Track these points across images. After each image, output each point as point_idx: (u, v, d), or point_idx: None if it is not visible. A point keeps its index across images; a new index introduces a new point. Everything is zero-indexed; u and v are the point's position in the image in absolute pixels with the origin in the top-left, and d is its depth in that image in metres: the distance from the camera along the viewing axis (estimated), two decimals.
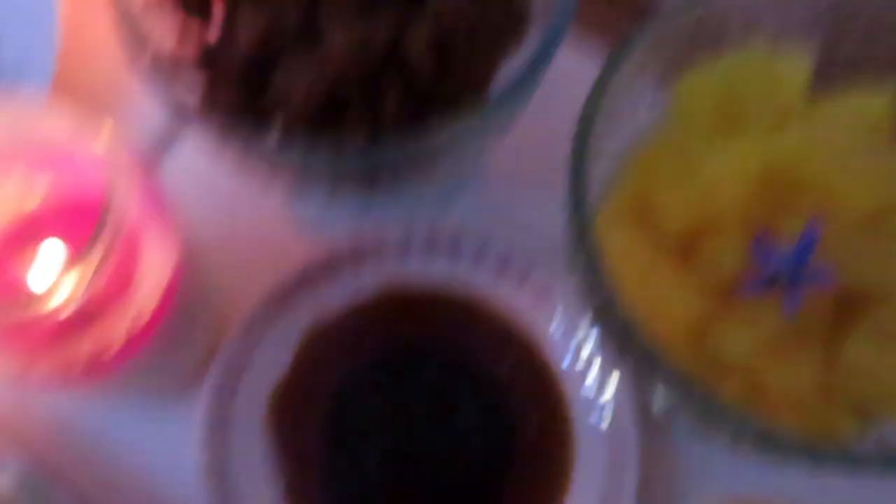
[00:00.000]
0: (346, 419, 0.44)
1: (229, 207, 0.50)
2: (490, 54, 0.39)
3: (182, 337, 0.42)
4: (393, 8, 0.38)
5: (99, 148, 0.33)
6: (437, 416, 0.43)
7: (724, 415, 0.29)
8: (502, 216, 0.50)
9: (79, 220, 0.36)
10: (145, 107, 0.49)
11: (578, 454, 0.42)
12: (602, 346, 0.43)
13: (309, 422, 0.43)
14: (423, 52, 0.37)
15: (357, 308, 0.46)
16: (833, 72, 0.39)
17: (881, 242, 0.33)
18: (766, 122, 0.37)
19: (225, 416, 0.43)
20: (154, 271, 0.36)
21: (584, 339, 0.44)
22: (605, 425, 0.42)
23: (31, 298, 0.31)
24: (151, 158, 0.51)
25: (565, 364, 0.44)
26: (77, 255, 0.31)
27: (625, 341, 0.32)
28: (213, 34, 0.40)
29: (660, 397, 0.34)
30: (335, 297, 0.46)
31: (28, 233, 0.38)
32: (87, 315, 0.34)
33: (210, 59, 0.39)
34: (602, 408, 0.42)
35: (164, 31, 0.40)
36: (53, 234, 0.39)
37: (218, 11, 0.40)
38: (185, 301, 0.39)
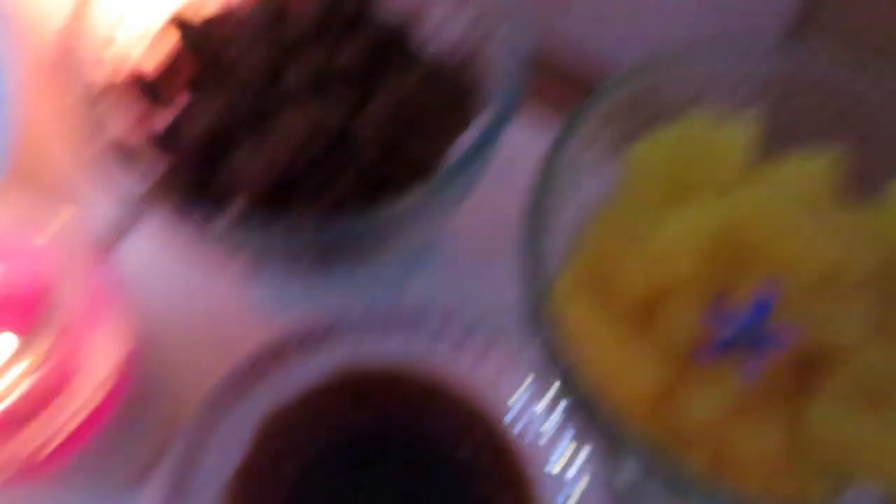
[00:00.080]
0: None
1: (184, 293, 0.49)
2: (441, 132, 0.40)
3: (134, 428, 0.40)
4: (345, 91, 0.39)
5: (51, 237, 0.32)
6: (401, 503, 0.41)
7: (693, 486, 0.28)
8: (462, 290, 0.50)
9: (30, 312, 0.35)
10: (101, 195, 0.49)
11: None
12: (566, 419, 0.42)
13: None
14: (373, 134, 0.37)
15: (315, 391, 0.44)
16: (776, 139, 0.40)
17: (836, 302, 0.33)
18: (715, 187, 0.37)
19: None
20: (102, 362, 0.35)
21: (549, 414, 0.43)
22: (571, 503, 0.41)
23: None
24: (105, 247, 0.50)
25: (530, 439, 0.43)
26: (22, 347, 0.30)
27: (587, 413, 0.31)
28: (169, 118, 0.40)
29: (627, 470, 0.33)
30: (293, 381, 0.44)
31: None
32: (29, 408, 0.32)
33: (165, 143, 0.39)
34: (568, 484, 0.41)
35: (120, 116, 0.40)
36: (4, 327, 0.37)
37: (174, 96, 0.40)
38: (137, 391, 0.38)
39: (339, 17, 0.41)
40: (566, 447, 0.42)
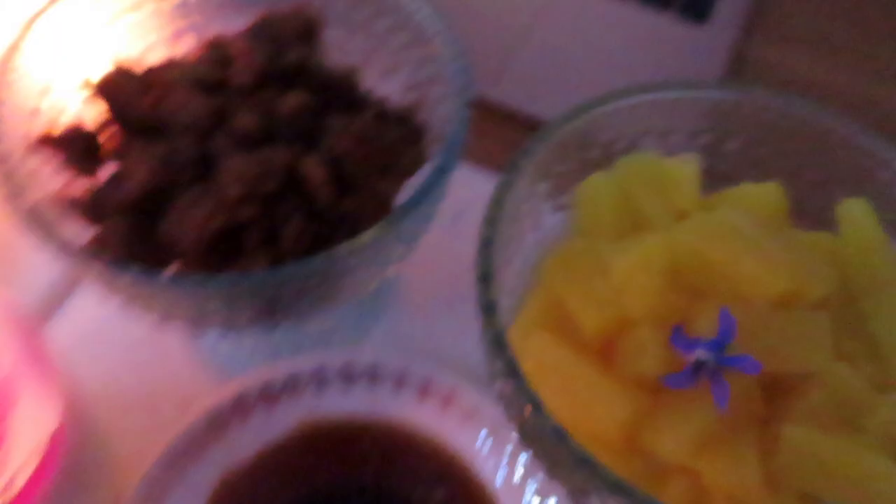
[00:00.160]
0: None
1: (125, 358, 0.47)
2: (398, 169, 0.39)
3: (73, 502, 0.37)
4: (292, 135, 0.38)
5: None
6: None
7: None
8: (422, 338, 0.49)
9: None
10: (33, 259, 0.47)
11: None
12: (533, 464, 0.40)
13: None
14: (319, 177, 0.36)
15: (272, 450, 0.42)
16: (719, 173, 0.41)
17: (797, 327, 0.33)
18: (666, 220, 0.37)
19: None
20: (30, 434, 0.32)
21: (516, 460, 0.42)
22: None
23: None
24: (35, 318, 0.47)
25: (499, 484, 0.42)
26: None
27: (555, 451, 0.30)
28: (107, 171, 0.39)
29: None
30: (247, 441, 0.42)
31: None
32: None
33: (99, 201, 0.37)
34: None
35: (49, 174, 0.38)
36: None
37: (112, 148, 0.39)
38: (75, 461, 0.35)
39: (282, 66, 0.40)
40: (535, 493, 0.41)
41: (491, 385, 0.34)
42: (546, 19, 0.67)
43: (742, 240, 0.34)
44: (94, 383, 0.44)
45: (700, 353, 0.31)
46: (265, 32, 0.41)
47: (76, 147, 0.37)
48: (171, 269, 0.36)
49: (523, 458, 0.42)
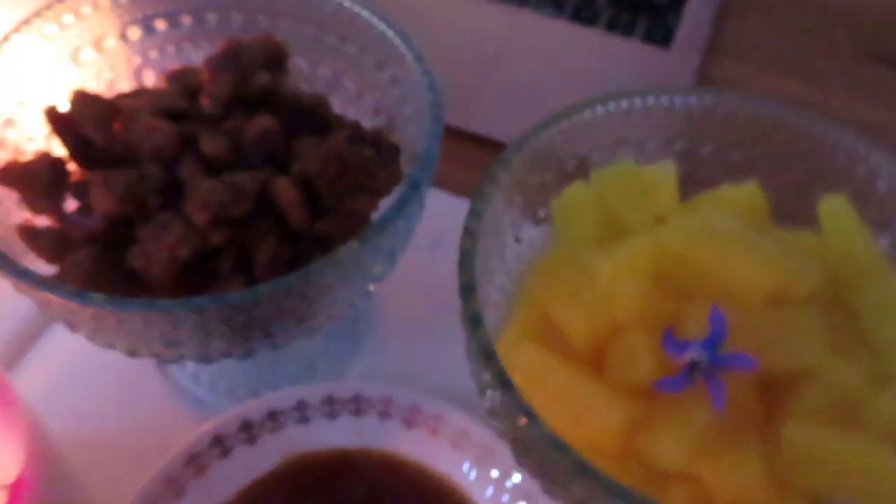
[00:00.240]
0: None
1: (97, 401, 0.45)
2: (375, 186, 0.38)
3: None
4: (263, 157, 0.37)
5: None
6: None
7: None
8: (404, 368, 0.47)
9: None
10: (1, 305, 0.46)
11: None
12: (528, 481, 0.39)
13: None
14: (292, 198, 0.35)
15: (256, 487, 0.41)
16: (696, 179, 0.41)
17: (789, 321, 0.32)
18: (646, 225, 0.37)
19: None
20: None
21: (504, 484, 0.41)
22: None
23: None
24: (4, 360, 0.45)
25: None
26: None
27: (551, 463, 0.29)
28: (68, 207, 0.37)
29: None
30: (228, 479, 0.41)
31: None
32: None
33: (63, 232, 0.36)
34: None
35: (12, 206, 0.37)
36: None
37: (72, 183, 0.38)
38: None
39: (250, 92, 0.39)
40: None
41: (480, 402, 0.33)
42: (513, 48, 0.67)
43: (727, 239, 0.33)
44: (64, 427, 0.42)
45: (693, 354, 0.31)
46: (231, 60, 0.40)
47: (42, 176, 0.36)
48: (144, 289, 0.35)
49: (512, 482, 0.41)
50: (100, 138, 0.36)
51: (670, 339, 0.32)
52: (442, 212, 0.50)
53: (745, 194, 0.37)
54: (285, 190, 0.35)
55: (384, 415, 0.43)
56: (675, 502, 0.30)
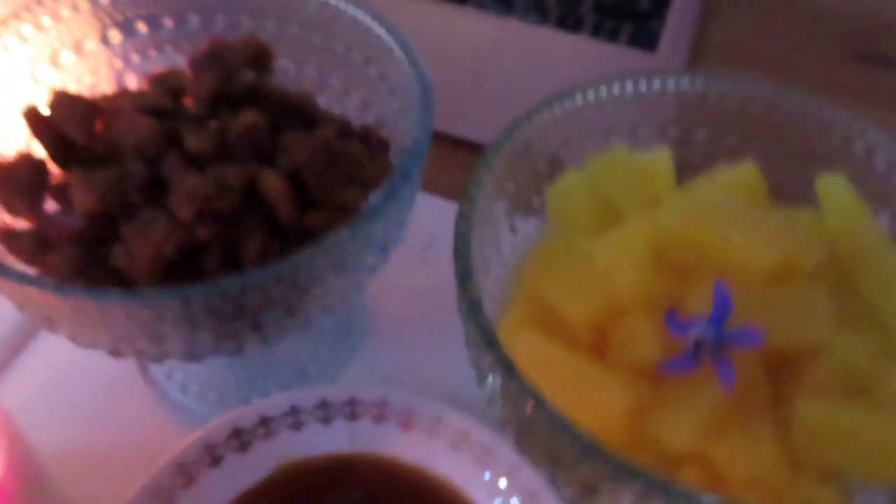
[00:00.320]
0: None
1: (82, 413, 0.43)
2: (364, 180, 0.37)
3: None
4: (249, 151, 0.36)
5: None
6: None
7: (698, 502, 0.25)
8: (399, 371, 0.46)
9: None
10: None
11: None
12: (531, 482, 0.37)
13: None
14: (280, 190, 0.34)
15: (249, 496, 0.39)
16: (691, 165, 0.40)
17: (795, 297, 0.31)
18: (642, 210, 0.36)
19: None
20: None
21: (512, 483, 0.39)
22: None
23: None
24: None
25: None
26: None
27: (559, 447, 0.28)
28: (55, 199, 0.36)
29: None
30: (220, 489, 0.39)
31: None
32: None
33: (44, 232, 0.35)
34: None
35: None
36: None
37: (53, 184, 0.37)
38: None
39: (234, 90, 0.39)
40: None
41: (480, 393, 0.32)
42: (500, 55, 0.67)
43: (727, 216, 0.33)
44: (48, 440, 0.40)
45: (698, 332, 0.30)
46: (215, 60, 0.40)
47: (22, 178, 0.35)
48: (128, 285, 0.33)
49: (515, 482, 0.39)
50: (81, 137, 0.35)
51: (673, 318, 0.31)
52: (433, 215, 0.49)
53: (743, 174, 0.36)
54: (272, 182, 0.34)
55: (380, 418, 0.42)
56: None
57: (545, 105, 0.36)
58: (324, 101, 0.43)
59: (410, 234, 0.53)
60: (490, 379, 0.30)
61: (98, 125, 0.36)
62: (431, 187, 0.53)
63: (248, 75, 0.39)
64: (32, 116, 0.36)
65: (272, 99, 0.39)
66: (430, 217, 0.51)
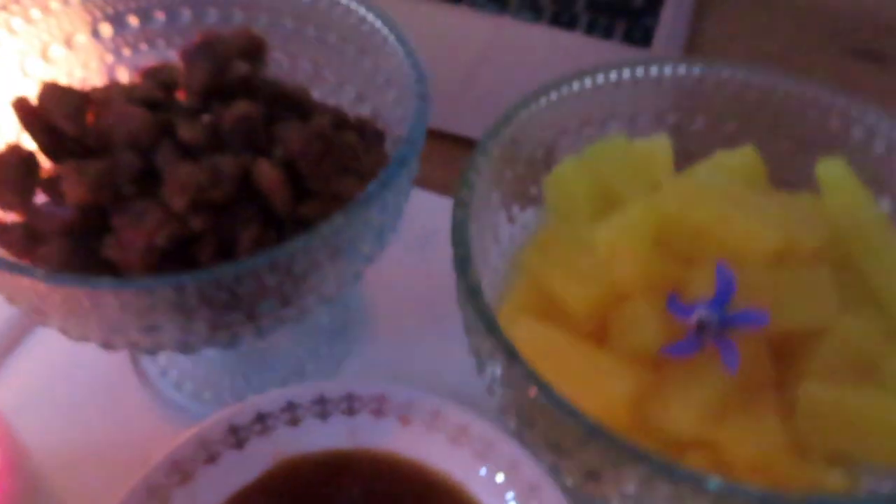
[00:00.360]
0: None
1: (75, 412, 0.43)
2: (349, 178, 0.37)
3: None
4: (243, 142, 0.36)
5: None
6: None
7: (704, 484, 0.24)
8: (397, 367, 0.46)
9: None
10: None
11: None
12: (533, 475, 0.37)
13: None
14: (275, 179, 0.34)
15: (246, 492, 0.38)
16: (689, 153, 0.40)
17: (798, 280, 0.31)
18: (641, 195, 0.35)
19: None
20: None
21: (512, 476, 0.39)
22: None
23: None
24: None
25: None
26: None
27: (562, 433, 0.27)
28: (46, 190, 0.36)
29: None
30: (216, 487, 0.38)
31: None
32: None
33: (34, 225, 0.34)
34: None
35: None
36: None
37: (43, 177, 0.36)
38: None
39: (228, 81, 0.38)
40: None
41: (479, 380, 0.31)
42: (495, 54, 0.67)
43: (728, 198, 0.32)
44: (41, 440, 0.40)
45: (702, 314, 0.29)
46: (208, 51, 0.39)
47: (11, 170, 0.34)
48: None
49: (516, 476, 0.39)
50: (71, 128, 0.35)
51: (675, 302, 0.30)
52: (430, 212, 0.49)
53: (742, 158, 0.36)
54: (267, 172, 0.34)
55: (378, 413, 0.41)
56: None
57: (542, 92, 0.36)
58: (318, 95, 0.43)
59: (406, 231, 0.53)
60: (490, 366, 0.29)
61: (89, 117, 0.35)
62: (427, 184, 0.53)
63: (241, 67, 0.39)
64: (22, 108, 0.35)
65: (266, 90, 0.39)
66: (426, 213, 0.51)
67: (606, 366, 0.30)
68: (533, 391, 0.26)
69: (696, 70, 0.38)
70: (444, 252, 0.49)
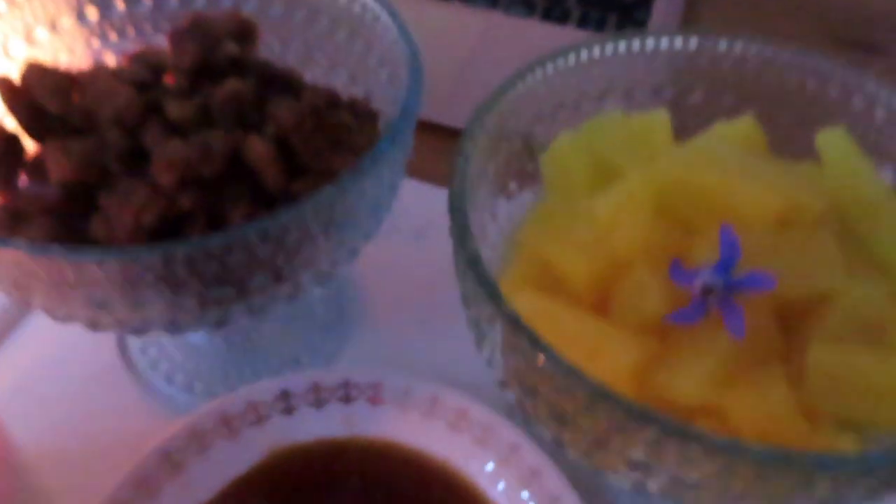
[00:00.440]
0: None
1: (64, 407, 0.41)
2: (342, 155, 0.36)
3: None
4: (233, 119, 0.35)
5: None
6: None
7: (713, 443, 0.23)
8: (393, 357, 0.45)
9: None
10: None
11: None
12: (533, 459, 0.36)
13: None
14: (266, 155, 0.33)
15: (240, 483, 0.37)
16: (688, 128, 0.39)
17: (803, 244, 0.30)
18: (642, 164, 0.35)
19: None
20: None
21: (512, 461, 0.38)
22: None
23: None
24: None
25: (498, 495, 0.37)
26: None
27: (568, 401, 0.26)
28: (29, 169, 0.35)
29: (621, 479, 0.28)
30: (209, 478, 0.37)
31: None
32: None
33: (18, 205, 0.33)
34: None
35: None
36: None
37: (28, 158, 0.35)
38: None
39: (218, 61, 0.37)
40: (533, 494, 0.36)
41: (479, 350, 0.30)
42: (488, 48, 0.67)
43: (729, 164, 0.32)
44: (28, 435, 0.39)
45: (706, 278, 0.28)
46: (197, 31, 0.38)
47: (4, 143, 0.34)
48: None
49: (516, 460, 0.38)
50: (56, 107, 0.34)
51: (678, 269, 0.29)
52: (425, 203, 0.48)
53: (741, 128, 0.35)
54: (258, 147, 0.33)
55: (375, 400, 0.40)
56: None
57: (537, 64, 0.35)
58: (310, 78, 0.42)
59: (401, 222, 0.52)
60: (490, 335, 0.28)
61: (74, 96, 0.34)
62: (421, 175, 0.52)
63: (231, 47, 0.38)
64: (5, 87, 0.34)
65: (257, 71, 0.38)
66: (421, 204, 0.50)
67: (609, 336, 0.29)
68: (536, 356, 0.25)
69: (693, 42, 0.38)
70: (439, 243, 0.48)
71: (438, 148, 0.53)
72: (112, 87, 0.34)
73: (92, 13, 0.41)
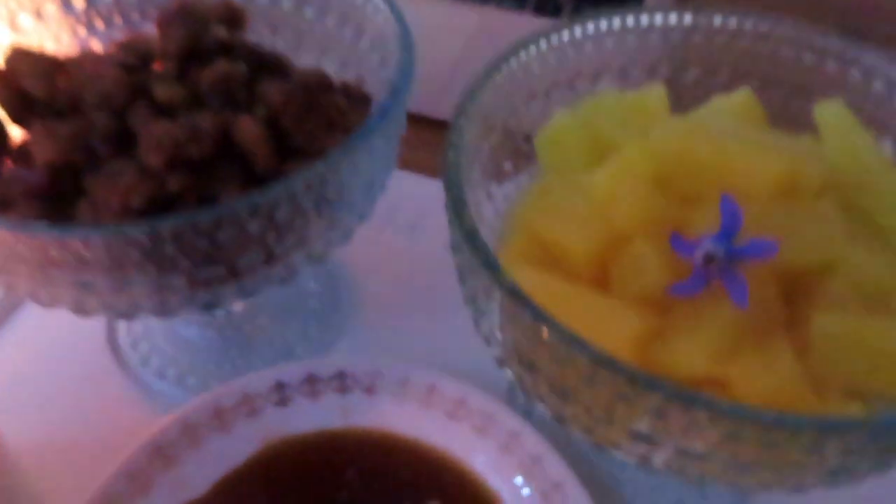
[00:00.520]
0: None
1: (54, 403, 0.41)
2: (334, 136, 0.35)
3: None
4: (223, 100, 0.34)
5: None
6: None
7: (720, 407, 0.23)
8: (388, 348, 0.44)
9: None
10: None
11: None
12: (534, 446, 0.35)
13: None
14: (256, 135, 0.32)
15: (234, 476, 0.36)
16: (684, 106, 0.38)
17: (805, 213, 0.30)
18: (640, 138, 0.34)
19: None
20: None
21: (513, 448, 0.37)
22: None
23: None
24: None
25: (499, 483, 0.36)
26: None
27: (571, 372, 0.25)
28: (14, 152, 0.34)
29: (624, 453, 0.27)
30: (203, 470, 0.36)
31: None
32: None
33: (3, 189, 0.32)
34: None
35: None
36: None
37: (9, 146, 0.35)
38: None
39: (207, 44, 0.37)
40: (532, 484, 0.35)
41: (478, 328, 0.30)
42: (481, 43, 0.66)
43: (728, 134, 0.31)
44: (17, 431, 0.38)
45: (708, 247, 0.28)
46: (186, 16, 0.38)
47: None
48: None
49: (517, 447, 0.37)
50: (41, 91, 0.33)
51: (679, 240, 0.29)
52: (419, 195, 0.48)
53: (739, 101, 0.35)
54: (248, 127, 0.32)
55: (371, 391, 0.39)
56: None
57: (531, 41, 0.35)
58: (301, 65, 0.41)
59: (395, 214, 0.52)
60: (489, 310, 0.27)
61: (59, 80, 0.34)
62: (415, 168, 0.52)
63: (219, 30, 0.38)
64: None
65: (246, 55, 0.38)
66: (415, 197, 0.49)
67: (610, 310, 0.28)
68: (536, 326, 0.25)
69: (688, 18, 0.37)
70: (433, 234, 0.48)
71: (432, 141, 0.53)
72: (99, 70, 0.33)
73: (78, 0, 0.40)
